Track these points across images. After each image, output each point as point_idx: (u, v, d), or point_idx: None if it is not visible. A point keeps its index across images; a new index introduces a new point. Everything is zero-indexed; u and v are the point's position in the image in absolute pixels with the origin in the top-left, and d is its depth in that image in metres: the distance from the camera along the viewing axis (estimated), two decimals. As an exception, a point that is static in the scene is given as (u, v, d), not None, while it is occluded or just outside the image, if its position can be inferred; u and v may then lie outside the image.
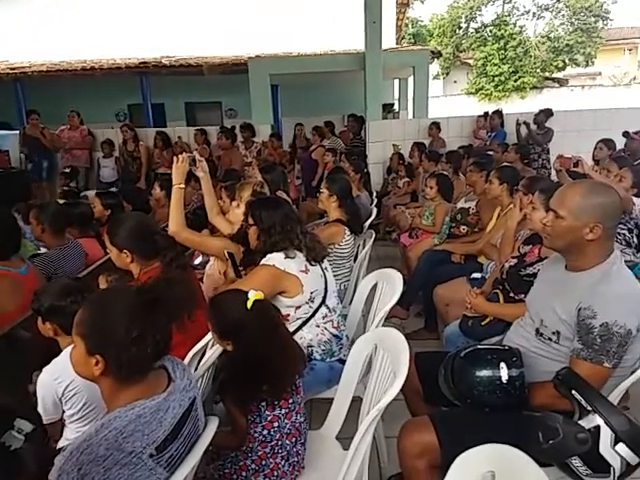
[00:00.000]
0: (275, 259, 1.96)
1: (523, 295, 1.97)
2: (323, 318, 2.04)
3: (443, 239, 3.95)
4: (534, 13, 22.57)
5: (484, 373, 1.55)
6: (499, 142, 6.12)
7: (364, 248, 3.26)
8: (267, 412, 1.43)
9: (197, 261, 2.84)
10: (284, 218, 2.03)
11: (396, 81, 11.73)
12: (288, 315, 1.99)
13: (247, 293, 1.50)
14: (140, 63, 9.39)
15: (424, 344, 3.15)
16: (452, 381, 1.62)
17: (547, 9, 22.32)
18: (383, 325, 2.07)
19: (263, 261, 1.99)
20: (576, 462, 1.35)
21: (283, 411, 1.45)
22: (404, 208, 5.26)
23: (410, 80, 9.37)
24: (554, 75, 21.57)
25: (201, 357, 1.75)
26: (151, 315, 1.11)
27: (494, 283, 2.56)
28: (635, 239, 2.91)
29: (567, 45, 21.28)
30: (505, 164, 4.47)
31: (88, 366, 1.11)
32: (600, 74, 21.58)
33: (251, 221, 2.09)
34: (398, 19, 11.92)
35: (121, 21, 10.49)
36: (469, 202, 4.01)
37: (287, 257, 1.97)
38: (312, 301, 2.00)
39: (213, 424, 1.29)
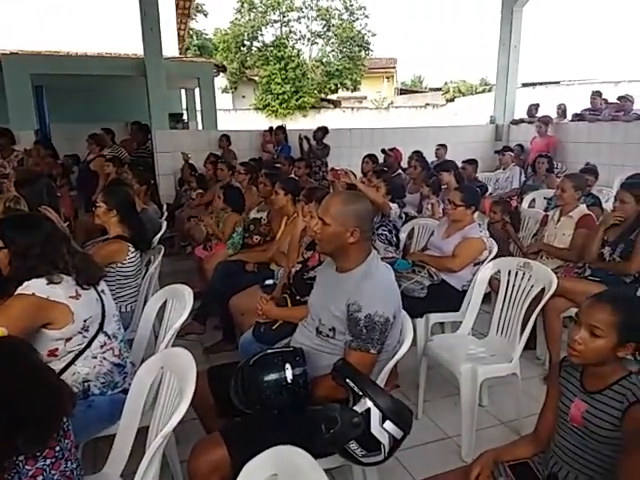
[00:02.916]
0: (34, 287, 1.68)
1: (307, 297, 2.11)
2: (101, 347, 1.82)
3: (237, 249, 4.00)
4: (308, 39, 24.81)
5: (271, 377, 1.59)
6: (285, 156, 6.54)
7: (153, 264, 3.07)
8: (27, 467, 1.19)
9: None
10: (44, 238, 1.77)
11: (183, 91, 11.50)
12: (56, 350, 1.72)
13: None
14: None
15: (224, 356, 3.13)
16: (242, 390, 1.62)
17: (319, 36, 24.76)
18: (177, 344, 1.95)
19: (19, 290, 1.68)
20: (353, 445, 1.46)
21: (48, 462, 1.22)
22: (198, 220, 5.15)
23: (197, 91, 9.29)
24: (329, 97, 24.14)
25: None
26: None
27: (283, 288, 2.70)
28: (394, 238, 3.43)
29: (337, 70, 23.95)
30: (291, 176, 4.79)
31: None
32: (366, 98, 24.99)
33: (0, 244, 1.76)
34: (180, 29, 11.74)
35: None
36: (261, 212, 4.15)
37: (51, 283, 1.71)
38: (86, 330, 1.78)
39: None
